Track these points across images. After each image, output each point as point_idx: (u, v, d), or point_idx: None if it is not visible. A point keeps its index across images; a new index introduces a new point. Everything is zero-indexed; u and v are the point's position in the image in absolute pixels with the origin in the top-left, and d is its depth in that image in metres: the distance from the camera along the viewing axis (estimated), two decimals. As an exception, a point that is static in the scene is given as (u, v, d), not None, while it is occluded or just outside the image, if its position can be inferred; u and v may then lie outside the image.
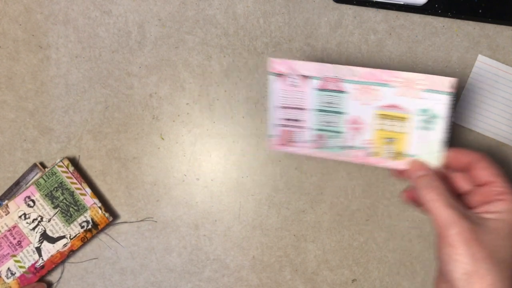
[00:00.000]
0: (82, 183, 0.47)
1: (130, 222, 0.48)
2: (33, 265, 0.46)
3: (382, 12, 0.47)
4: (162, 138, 0.48)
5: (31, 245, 0.46)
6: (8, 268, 0.46)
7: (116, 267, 0.48)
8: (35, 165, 0.47)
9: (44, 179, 0.46)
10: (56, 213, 0.46)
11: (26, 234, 0.46)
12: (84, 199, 0.47)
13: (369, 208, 0.48)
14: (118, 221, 0.48)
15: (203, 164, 0.48)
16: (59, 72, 0.48)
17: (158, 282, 0.48)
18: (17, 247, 0.46)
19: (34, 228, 0.46)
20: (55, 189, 0.46)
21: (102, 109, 0.48)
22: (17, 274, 0.46)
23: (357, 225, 0.48)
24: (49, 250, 0.46)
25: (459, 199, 0.38)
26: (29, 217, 0.46)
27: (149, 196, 0.48)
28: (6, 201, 0.46)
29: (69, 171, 0.46)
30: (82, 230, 0.47)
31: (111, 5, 0.48)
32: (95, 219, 0.47)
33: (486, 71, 0.47)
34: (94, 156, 0.48)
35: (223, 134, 0.48)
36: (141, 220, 0.48)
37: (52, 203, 0.46)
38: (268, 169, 0.48)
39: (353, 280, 0.48)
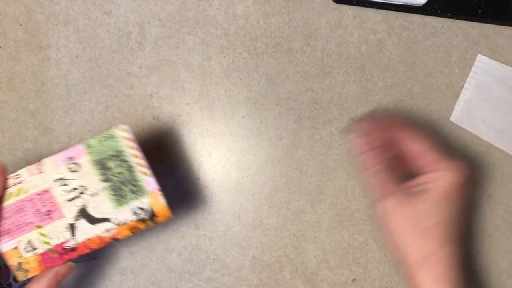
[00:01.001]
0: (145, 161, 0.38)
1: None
2: (61, 244, 0.37)
3: (382, 13, 0.47)
4: (162, 138, 0.48)
5: (64, 220, 0.37)
6: (29, 241, 0.37)
7: (116, 267, 0.48)
8: None
9: (98, 141, 0.37)
10: (105, 188, 0.37)
11: (59, 204, 0.37)
12: (144, 180, 0.37)
13: (369, 208, 0.48)
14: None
15: (203, 164, 0.48)
16: (59, 72, 0.48)
17: (158, 282, 0.48)
18: (45, 217, 0.37)
19: (72, 200, 0.37)
20: (110, 157, 0.37)
21: (102, 109, 0.48)
22: (39, 250, 0.37)
23: (357, 225, 0.48)
24: (86, 231, 0.37)
25: (393, 175, 0.41)
26: (68, 184, 0.37)
27: (149, 196, 0.48)
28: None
29: (132, 140, 0.37)
30: (134, 218, 0.38)
31: (112, 5, 0.48)
32: (155, 208, 0.38)
33: (485, 71, 0.47)
34: (94, 156, 0.48)
35: (223, 134, 0.48)
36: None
37: (102, 174, 0.37)
38: (268, 169, 0.48)
39: (353, 280, 0.49)
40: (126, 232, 0.38)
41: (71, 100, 0.48)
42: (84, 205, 0.37)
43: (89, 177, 0.37)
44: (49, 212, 0.37)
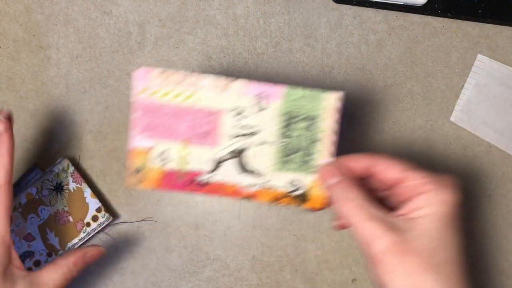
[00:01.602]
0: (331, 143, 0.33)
1: (130, 222, 0.48)
2: (196, 173, 0.33)
3: (382, 13, 0.47)
4: (162, 138, 0.48)
5: (215, 150, 0.33)
6: (166, 151, 0.33)
7: (116, 267, 0.48)
8: (35, 165, 0.47)
9: (303, 94, 0.33)
10: (278, 143, 0.33)
11: (221, 133, 0.32)
12: (321, 158, 0.33)
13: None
14: (118, 221, 0.48)
15: (203, 164, 0.48)
16: (59, 72, 0.48)
17: (158, 282, 0.48)
18: (198, 136, 0.33)
19: (236, 136, 0.33)
20: (302, 117, 0.33)
21: (102, 109, 0.48)
22: (170, 166, 0.33)
23: (357, 225, 0.48)
24: (229, 175, 0.33)
25: (379, 205, 0.32)
26: (242, 118, 0.32)
27: (149, 196, 0.48)
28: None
29: (338, 113, 0.33)
30: (285, 189, 0.34)
31: (112, 5, 0.48)
32: (311, 191, 0.34)
33: (485, 71, 0.47)
34: (94, 156, 0.48)
35: (223, 134, 0.48)
36: (141, 220, 0.48)
37: (284, 128, 0.33)
38: (268, 169, 0.48)
39: (353, 280, 0.48)
40: (266, 198, 0.33)
41: (71, 100, 0.48)
42: (244, 148, 0.32)
43: (269, 123, 0.33)
44: (205, 134, 0.32)
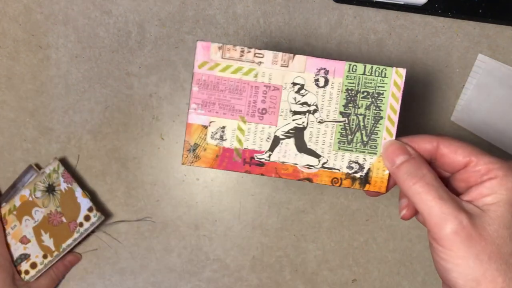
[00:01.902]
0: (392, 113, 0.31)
1: (129, 221, 0.48)
2: (253, 151, 0.32)
3: (382, 12, 0.47)
4: (162, 138, 0.48)
5: (273, 129, 0.31)
6: (223, 128, 0.32)
7: (116, 267, 0.48)
8: (30, 167, 0.47)
9: (365, 70, 0.32)
10: (338, 122, 0.32)
11: (280, 110, 0.31)
12: (384, 138, 0.32)
13: (369, 208, 0.48)
14: (116, 219, 0.48)
15: (203, 164, 0.48)
16: (59, 72, 0.48)
17: (158, 282, 0.48)
18: (256, 113, 0.32)
19: (295, 113, 0.31)
20: (365, 94, 0.31)
21: (102, 109, 0.48)
22: (226, 144, 0.32)
23: (357, 225, 0.48)
24: (287, 154, 0.32)
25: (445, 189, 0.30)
26: (303, 95, 0.31)
27: (149, 196, 0.48)
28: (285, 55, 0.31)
29: (401, 90, 0.32)
30: (346, 171, 0.32)
31: (111, 5, 0.48)
32: (373, 173, 0.32)
33: (486, 71, 0.47)
34: (94, 156, 0.48)
35: (223, 134, 0.48)
36: (138, 220, 0.48)
37: (345, 106, 0.32)
38: (268, 169, 0.48)
39: (353, 280, 0.48)
40: (326, 180, 0.32)
41: (70, 100, 0.48)
42: (304, 126, 0.31)
43: (330, 100, 0.31)
44: (264, 111, 0.31)
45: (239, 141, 0.32)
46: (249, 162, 0.32)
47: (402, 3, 0.46)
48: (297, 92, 0.32)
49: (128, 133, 0.48)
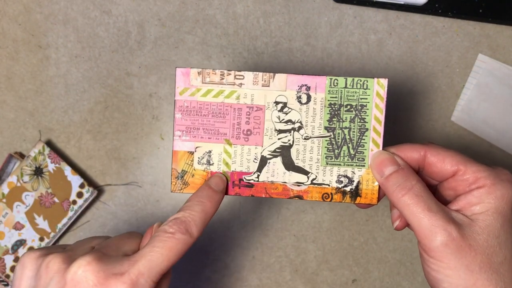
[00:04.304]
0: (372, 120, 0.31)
1: (116, 184, 0.48)
2: (241, 173, 0.32)
3: (382, 12, 0.47)
4: (162, 138, 0.48)
5: (259, 149, 0.32)
6: (209, 152, 0.32)
7: (116, 267, 0.48)
8: (10, 156, 0.47)
9: (347, 83, 0.31)
10: (323, 136, 0.32)
11: (264, 130, 0.31)
12: (371, 150, 0.32)
13: (369, 208, 0.48)
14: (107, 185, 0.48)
15: (203, 164, 0.48)
16: (58, 72, 0.48)
17: (158, 282, 0.48)
18: (241, 135, 0.32)
19: (280, 132, 0.31)
20: (348, 107, 0.31)
21: (101, 109, 0.48)
22: (213, 168, 0.32)
23: (357, 225, 0.48)
24: (276, 173, 0.32)
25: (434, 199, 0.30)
26: (287, 113, 0.31)
27: (149, 196, 0.48)
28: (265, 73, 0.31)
29: (384, 101, 0.32)
30: (335, 185, 0.32)
31: (111, 5, 0.48)
32: (363, 186, 0.32)
33: (486, 71, 0.47)
34: (93, 156, 0.48)
35: (223, 134, 0.48)
36: (126, 184, 0.48)
37: (329, 121, 0.32)
38: (268, 169, 0.48)
39: (353, 281, 0.48)
40: (316, 196, 0.32)
41: (70, 99, 0.48)
42: (290, 144, 0.31)
43: (313, 116, 0.32)
44: (248, 133, 0.31)
45: (226, 164, 0.32)
46: (238, 184, 0.32)
47: (402, 3, 0.45)
48: (280, 110, 0.32)
49: (128, 133, 0.48)
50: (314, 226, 0.48)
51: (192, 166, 0.32)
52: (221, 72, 0.32)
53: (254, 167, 0.32)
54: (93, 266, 0.27)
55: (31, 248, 0.46)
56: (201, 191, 0.31)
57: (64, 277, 0.27)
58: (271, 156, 0.32)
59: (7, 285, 0.46)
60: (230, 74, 0.32)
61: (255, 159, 0.32)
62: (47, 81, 0.48)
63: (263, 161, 0.32)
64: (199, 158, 0.32)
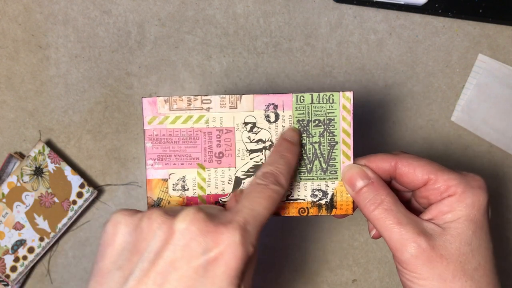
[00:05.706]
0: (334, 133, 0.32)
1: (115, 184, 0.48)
2: (217, 196, 0.32)
3: (382, 12, 0.47)
4: (162, 138, 0.48)
5: (232, 170, 0.32)
6: (183, 178, 0.32)
7: (116, 267, 0.48)
8: (10, 156, 0.47)
9: (313, 98, 0.32)
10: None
11: (236, 151, 0.32)
12: (343, 162, 0.32)
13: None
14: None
15: (203, 164, 0.48)
16: (58, 72, 0.48)
17: (158, 282, 0.48)
18: (214, 158, 0.32)
19: (252, 152, 0.32)
20: (316, 122, 0.32)
21: (101, 109, 0.48)
22: (189, 193, 0.32)
23: (357, 225, 0.48)
24: None
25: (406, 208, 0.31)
26: (256, 133, 0.32)
27: (149, 196, 0.48)
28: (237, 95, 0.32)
29: (350, 114, 0.32)
30: (310, 199, 0.33)
31: (111, 4, 0.48)
32: (338, 198, 0.33)
33: (486, 71, 0.47)
34: (93, 156, 0.48)
35: (223, 134, 0.48)
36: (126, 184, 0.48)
37: (300, 136, 0.32)
38: (268, 169, 0.48)
39: (353, 281, 0.48)
40: (293, 211, 0.32)
41: (70, 99, 0.48)
42: (262, 163, 0.31)
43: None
44: (220, 155, 0.32)
45: (201, 188, 0.32)
46: None
47: (402, 3, 0.45)
48: (250, 131, 0.32)
49: (128, 133, 0.48)
50: (314, 226, 0.48)
51: (167, 193, 0.33)
52: (187, 98, 0.32)
53: (229, 188, 0.32)
54: (200, 215, 0.26)
55: (31, 248, 0.46)
56: (280, 145, 0.31)
57: (171, 228, 0.26)
58: (245, 176, 0.32)
59: (7, 285, 0.46)
60: (196, 99, 0.32)
61: (229, 180, 0.32)
62: (47, 81, 0.48)
63: (238, 182, 0.32)
64: (173, 184, 0.32)
